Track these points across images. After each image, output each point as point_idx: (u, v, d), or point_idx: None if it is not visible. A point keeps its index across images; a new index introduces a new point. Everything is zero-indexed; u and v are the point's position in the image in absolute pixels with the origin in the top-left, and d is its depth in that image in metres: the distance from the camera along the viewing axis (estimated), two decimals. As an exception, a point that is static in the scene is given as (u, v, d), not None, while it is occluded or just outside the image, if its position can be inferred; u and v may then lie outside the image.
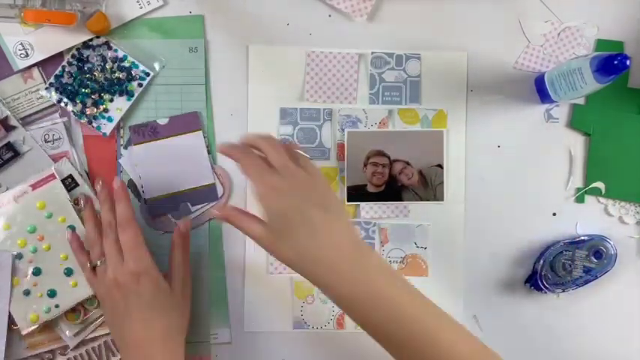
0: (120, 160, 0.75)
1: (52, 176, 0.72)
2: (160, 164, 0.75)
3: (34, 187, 0.72)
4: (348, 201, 0.76)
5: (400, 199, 0.76)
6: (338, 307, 0.61)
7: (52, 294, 0.71)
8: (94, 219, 0.71)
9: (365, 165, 0.76)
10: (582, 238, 0.76)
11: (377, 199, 0.76)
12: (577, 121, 0.77)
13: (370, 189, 0.76)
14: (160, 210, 0.75)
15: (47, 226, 0.72)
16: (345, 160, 0.76)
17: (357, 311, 0.60)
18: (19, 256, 0.72)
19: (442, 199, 0.76)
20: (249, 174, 0.62)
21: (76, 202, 0.73)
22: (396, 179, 0.76)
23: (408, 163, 0.76)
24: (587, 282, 0.76)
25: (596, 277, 0.75)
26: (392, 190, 0.76)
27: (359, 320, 0.60)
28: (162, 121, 0.75)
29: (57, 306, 0.72)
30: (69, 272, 0.72)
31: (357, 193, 0.76)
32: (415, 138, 0.76)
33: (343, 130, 0.77)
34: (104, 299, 0.68)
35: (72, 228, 0.72)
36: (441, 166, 0.76)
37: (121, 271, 0.66)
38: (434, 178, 0.76)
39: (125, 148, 0.75)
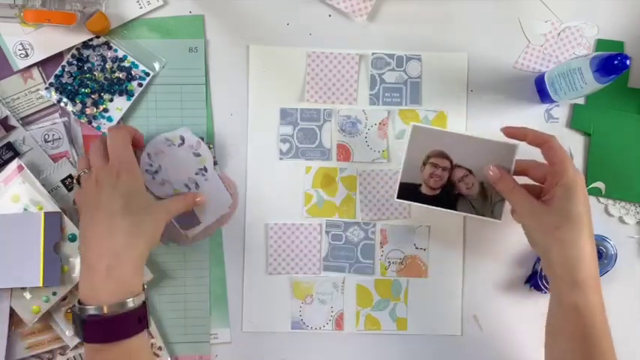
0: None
1: (20, 167, 0.72)
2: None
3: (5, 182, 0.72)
4: (398, 197, 0.70)
5: (454, 208, 0.70)
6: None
7: (47, 283, 0.72)
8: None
9: (424, 164, 0.70)
10: (582, 238, 0.76)
11: (429, 203, 0.70)
12: (577, 121, 0.77)
13: (424, 190, 0.70)
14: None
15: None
16: (404, 153, 0.70)
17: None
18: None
19: (499, 218, 0.70)
20: None
21: (74, 203, 0.73)
22: (455, 186, 0.70)
23: (470, 172, 0.69)
24: (587, 282, 0.75)
25: (597, 277, 0.75)
26: (447, 196, 0.70)
27: None
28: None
29: (54, 294, 0.72)
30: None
31: (410, 192, 0.70)
32: (485, 147, 0.69)
33: (343, 130, 0.77)
34: (80, 204, 0.66)
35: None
36: None
37: (102, 171, 0.64)
38: (494, 194, 0.69)
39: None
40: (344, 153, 0.77)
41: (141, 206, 0.64)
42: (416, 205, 0.71)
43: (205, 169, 0.74)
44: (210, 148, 0.75)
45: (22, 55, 0.73)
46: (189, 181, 0.74)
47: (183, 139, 0.74)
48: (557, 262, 0.62)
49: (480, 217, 0.70)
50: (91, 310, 0.60)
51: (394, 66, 0.77)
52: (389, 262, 0.77)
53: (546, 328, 0.65)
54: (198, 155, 0.74)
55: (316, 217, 0.77)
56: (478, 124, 0.77)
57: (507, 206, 0.70)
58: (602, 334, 0.61)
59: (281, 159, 0.77)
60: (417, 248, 0.77)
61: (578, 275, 0.60)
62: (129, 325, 0.61)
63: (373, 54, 0.77)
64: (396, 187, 0.71)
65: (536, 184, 0.69)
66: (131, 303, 0.61)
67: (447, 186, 0.70)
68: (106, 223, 0.62)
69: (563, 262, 0.61)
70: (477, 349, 0.77)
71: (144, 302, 0.64)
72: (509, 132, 0.69)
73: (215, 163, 0.75)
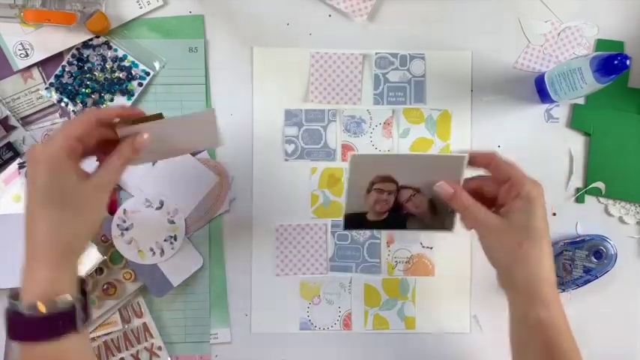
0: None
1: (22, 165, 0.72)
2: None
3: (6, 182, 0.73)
4: (345, 229, 0.66)
5: (404, 228, 0.67)
6: None
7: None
8: None
9: (368, 191, 0.64)
10: (582, 238, 0.76)
11: (378, 227, 0.68)
12: (577, 121, 0.77)
13: (371, 217, 0.66)
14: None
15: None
16: (345, 187, 0.66)
17: None
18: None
19: (451, 229, 0.66)
20: None
21: None
22: (402, 207, 0.65)
23: (418, 191, 0.65)
24: (587, 282, 0.76)
25: (596, 277, 0.75)
26: (396, 217, 0.66)
27: None
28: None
29: None
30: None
31: (357, 221, 0.66)
32: (431, 162, 0.64)
33: (348, 130, 0.77)
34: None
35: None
36: None
37: (30, 151, 0.57)
38: (446, 207, 0.65)
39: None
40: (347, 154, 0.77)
41: (62, 202, 0.56)
42: (365, 232, 0.71)
43: (175, 238, 0.74)
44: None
45: (22, 55, 0.73)
46: (155, 245, 0.74)
47: (162, 203, 0.74)
48: (519, 279, 0.60)
49: (432, 230, 0.67)
50: (14, 305, 0.56)
51: (398, 65, 0.77)
52: (396, 261, 0.77)
53: (511, 344, 0.63)
54: (172, 222, 0.74)
55: (322, 218, 0.77)
56: (479, 124, 0.77)
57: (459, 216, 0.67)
58: (570, 345, 0.61)
59: (286, 160, 0.77)
60: (423, 247, 0.77)
61: (542, 291, 0.59)
62: (50, 327, 0.56)
63: (377, 53, 0.77)
64: (342, 219, 0.66)
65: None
66: (50, 304, 0.55)
67: (394, 208, 0.65)
68: (27, 215, 0.57)
69: (527, 279, 0.60)
70: (485, 346, 0.77)
71: (79, 302, 0.57)
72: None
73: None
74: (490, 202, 0.63)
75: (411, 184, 0.64)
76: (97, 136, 0.59)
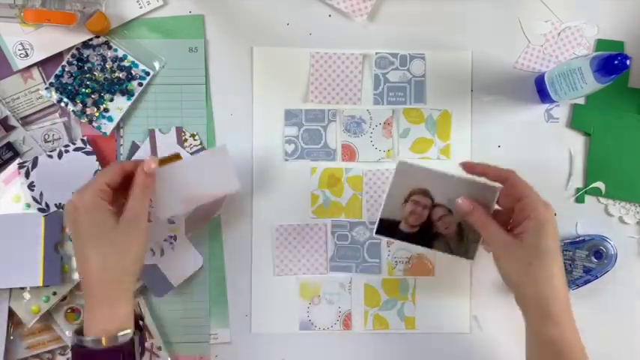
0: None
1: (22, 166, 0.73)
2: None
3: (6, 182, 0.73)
4: (377, 233, 0.70)
5: (430, 246, 0.70)
6: None
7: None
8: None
9: (406, 201, 0.68)
10: (582, 238, 0.76)
11: (407, 240, 0.70)
12: (577, 121, 0.78)
13: (403, 227, 0.69)
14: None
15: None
16: (387, 189, 0.68)
17: None
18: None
19: (472, 258, 0.69)
20: None
21: None
22: (433, 224, 0.69)
23: (450, 211, 0.68)
24: (587, 282, 0.76)
25: (596, 277, 0.75)
26: (425, 234, 0.69)
27: None
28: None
29: (54, 293, 0.72)
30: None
31: (389, 227, 0.69)
32: (467, 187, 0.67)
33: (348, 130, 0.77)
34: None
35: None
36: None
37: (68, 203, 0.63)
38: (471, 235, 0.69)
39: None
40: (349, 153, 0.77)
41: (102, 242, 0.62)
42: (394, 242, 0.73)
43: (175, 238, 0.74)
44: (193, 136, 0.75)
45: (22, 55, 0.73)
46: (155, 245, 0.74)
47: None
48: (530, 298, 0.63)
49: (454, 256, 0.70)
50: (80, 341, 0.61)
51: (398, 65, 0.77)
52: (396, 261, 0.77)
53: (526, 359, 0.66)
54: (172, 222, 0.74)
55: (322, 218, 0.77)
56: (479, 124, 0.77)
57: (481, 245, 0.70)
58: None
59: (286, 160, 0.77)
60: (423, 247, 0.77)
61: (552, 310, 0.62)
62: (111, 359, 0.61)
63: (377, 53, 0.77)
64: (376, 222, 0.69)
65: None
66: (103, 340, 0.61)
67: (425, 224, 0.69)
68: (78, 259, 0.64)
69: (537, 298, 0.62)
70: (484, 345, 0.77)
71: (132, 339, 0.63)
72: (469, 168, 0.67)
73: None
74: (504, 223, 0.66)
75: (445, 203, 0.68)
76: (122, 182, 0.65)
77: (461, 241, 0.69)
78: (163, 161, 0.67)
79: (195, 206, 0.71)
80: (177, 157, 0.68)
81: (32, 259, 0.71)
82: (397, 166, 0.68)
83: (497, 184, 0.67)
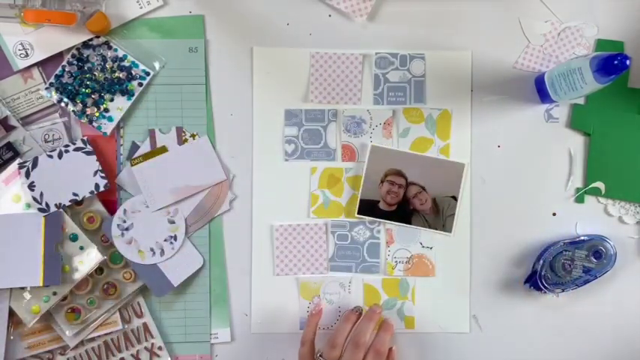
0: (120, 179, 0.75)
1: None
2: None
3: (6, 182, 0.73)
4: (358, 213, 0.76)
5: (409, 222, 0.76)
6: None
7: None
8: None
9: (382, 182, 0.75)
10: (582, 238, 0.76)
11: (386, 218, 0.76)
12: (577, 121, 0.78)
13: (382, 206, 0.76)
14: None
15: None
16: (363, 172, 0.75)
17: None
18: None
19: (450, 232, 0.76)
20: None
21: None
22: (409, 202, 0.76)
23: (423, 189, 0.75)
24: (586, 282, 0.76)
25: (596, 277, 0.75)
26: (403, 212, 0.76)
27: None
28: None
29: (55, 293, 0.72)
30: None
31: (369, 208, 0.76)
32: (435, 165, 0.75)
33: (348, 130, 0.77)
34: None
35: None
36: (455, 198, 0.76)
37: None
38: (446, 209, 0.76)
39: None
40: (349, 153, 0.77)
41: None
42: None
43: (175, 238, 0.74)
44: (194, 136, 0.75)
45: (22, 55, 0.73)
46: (156, 245, 0.74)
47: None
48: None
49: (433, 230, 0.75)
50: None
51: (398, 65, 0.77)
52: (396, 261, 0.77)
53: None
54: (172, 222, 0.74)
55: (322, 218, 0.77)
56: (479, 124, 0.77)
57: (458, 220, 0.76)
58: None
59: (286, 160, 0.77)
60: (423, 247, 0.77)
61: None
62: None
63: (377, 53, 0.77)
64: (357, 203, 0.75)
65: None
66: None
67: (402, 202, 0.75)
68: None
69: None
70: (484, 345, 0.77)
71: None
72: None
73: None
74: None
75: (418, 181, 0.74)
76: None
77: (437, 215, 0.75)
78: (149, 155, 0.68)
79: (184, 196, 0.73)
80: (163, 149, 0.70)
81: (32, 259, 0.71)
82: (370, 149, 0.74)
83: (464, 161, 0.75)
